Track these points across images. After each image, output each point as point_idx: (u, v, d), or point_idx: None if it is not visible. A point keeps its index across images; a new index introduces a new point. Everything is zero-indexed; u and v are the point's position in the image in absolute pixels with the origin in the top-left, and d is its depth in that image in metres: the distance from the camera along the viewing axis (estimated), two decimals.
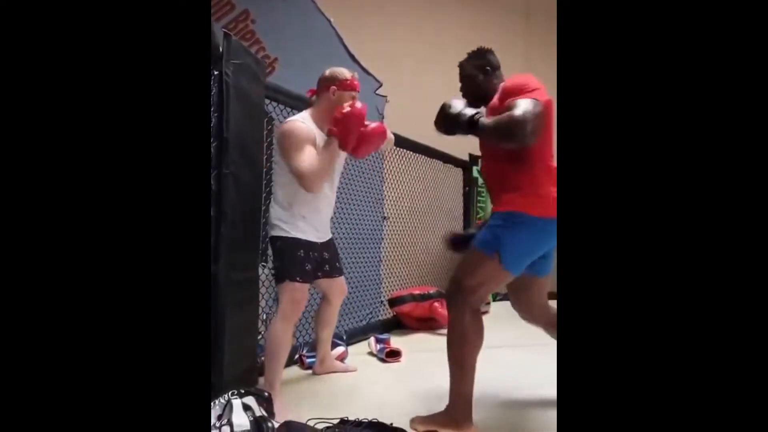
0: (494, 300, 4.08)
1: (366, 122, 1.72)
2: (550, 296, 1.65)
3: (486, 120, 1.41)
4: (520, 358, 2.42)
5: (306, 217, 1.76)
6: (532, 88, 1.40)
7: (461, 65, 1.70)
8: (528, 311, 1.72)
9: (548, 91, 1.45)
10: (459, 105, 1.48)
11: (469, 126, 1.42)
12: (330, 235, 1.95)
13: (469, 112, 1.43)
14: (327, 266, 1.92)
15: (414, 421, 1.53)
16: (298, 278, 1.72)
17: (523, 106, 1.33)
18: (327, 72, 1.79)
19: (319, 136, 1.74)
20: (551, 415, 1.65)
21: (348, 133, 1.66)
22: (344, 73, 1.78)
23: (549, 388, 1.83)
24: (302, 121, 1.73)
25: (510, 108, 1.35)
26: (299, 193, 1.73)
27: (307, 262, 1.75)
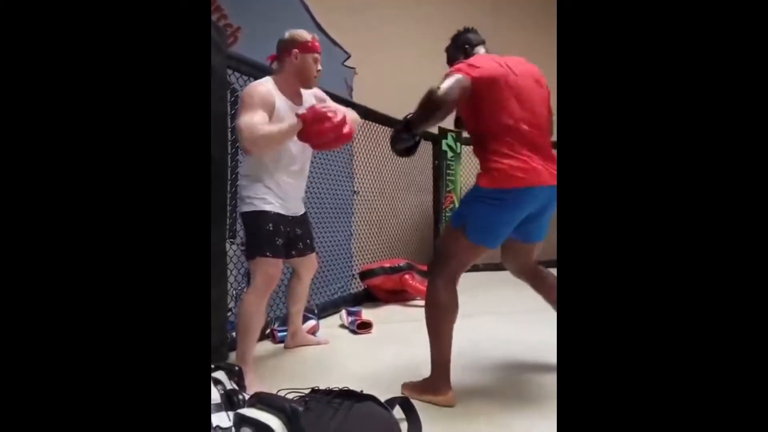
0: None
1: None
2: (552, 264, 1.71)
3: (412, 112, 1.53)
4: (499, 325, 2.49)
5: (272, 189, 1.73)
6: (452, 71, 1.51)
7: (447, 50, 1.80)
8: (519, 272, 1.81)
9: (529, 73, 1.56)
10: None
11: (406, 126, 1.55)
12: (303, 210, 1.92)
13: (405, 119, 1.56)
14: (300, 244, 1.90)
15: (404, 386, 1.60)
16: (268, 253, 1.68)
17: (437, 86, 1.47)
18: (287, 35, 1.74)
19: (282, 101, 1.69)
20: (531, 378, 1.72)
21: (316, 138, 1.59)
22: (304, 35, 1.74)
23: (527, 353, 1.91)
24: (263, 84, 1.69)
25: None
26: (265, 165, 1.70)
27: (277, 236, 1.72)
